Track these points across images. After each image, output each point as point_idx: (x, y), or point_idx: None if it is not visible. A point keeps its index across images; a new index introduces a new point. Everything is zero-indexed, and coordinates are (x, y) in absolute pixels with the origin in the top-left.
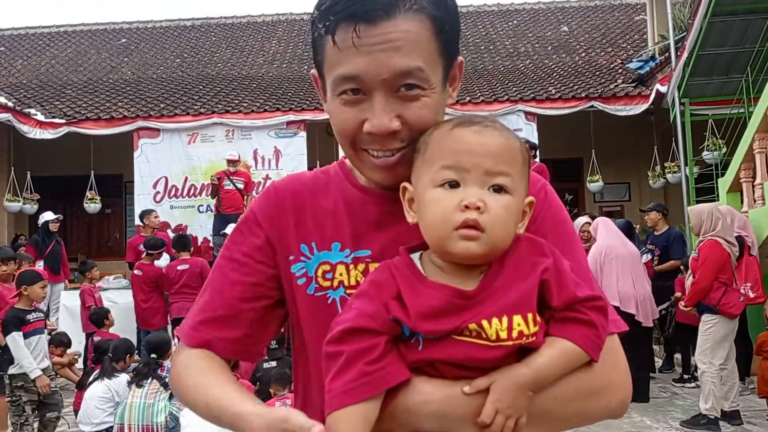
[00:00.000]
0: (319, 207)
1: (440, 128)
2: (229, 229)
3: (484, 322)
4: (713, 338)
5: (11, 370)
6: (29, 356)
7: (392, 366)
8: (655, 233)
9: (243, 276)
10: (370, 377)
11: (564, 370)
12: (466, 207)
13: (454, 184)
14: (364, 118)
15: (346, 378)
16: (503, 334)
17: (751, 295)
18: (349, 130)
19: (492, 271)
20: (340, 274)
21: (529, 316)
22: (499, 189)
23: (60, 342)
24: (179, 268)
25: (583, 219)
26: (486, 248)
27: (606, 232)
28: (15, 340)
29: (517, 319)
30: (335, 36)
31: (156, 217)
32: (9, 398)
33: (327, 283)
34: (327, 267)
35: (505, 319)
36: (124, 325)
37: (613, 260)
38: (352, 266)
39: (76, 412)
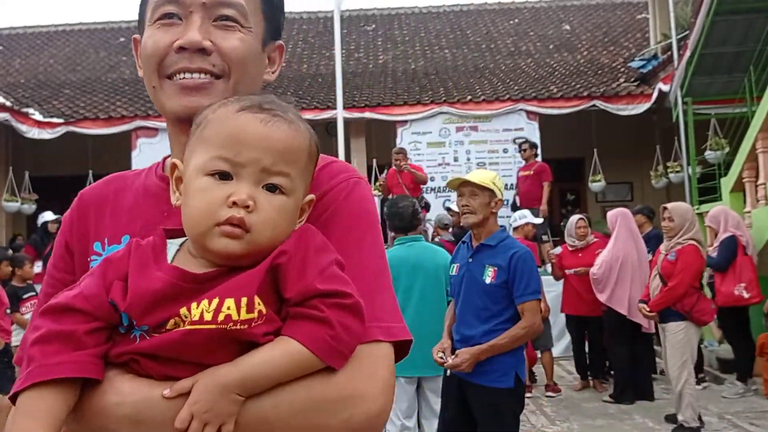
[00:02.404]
0: (120, 204)
1: (227, 106)
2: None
3: (193, 305)
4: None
5: None
6: None
7: (93, 360)
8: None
9: (51, 288)
10: (64, 364)
11: (288, 374)
12: (234, 204)
13: (225, 176)
14: (177, 38)
15: (45, 351)
16: (208, 316)
17: (746, 295)
18: (159, 50)
19: None
20: None
21: (243, 300)
22: (273, 188)
23: None
24: None
25: (576, 216)
26: (248, 248)
27: (626, 232)
28: None
29: (229, 302)
30: None
31: None
32: None
33: None
34: None
35: (215, 301)
36: None
37: (628, 269)
38: None
39: None
